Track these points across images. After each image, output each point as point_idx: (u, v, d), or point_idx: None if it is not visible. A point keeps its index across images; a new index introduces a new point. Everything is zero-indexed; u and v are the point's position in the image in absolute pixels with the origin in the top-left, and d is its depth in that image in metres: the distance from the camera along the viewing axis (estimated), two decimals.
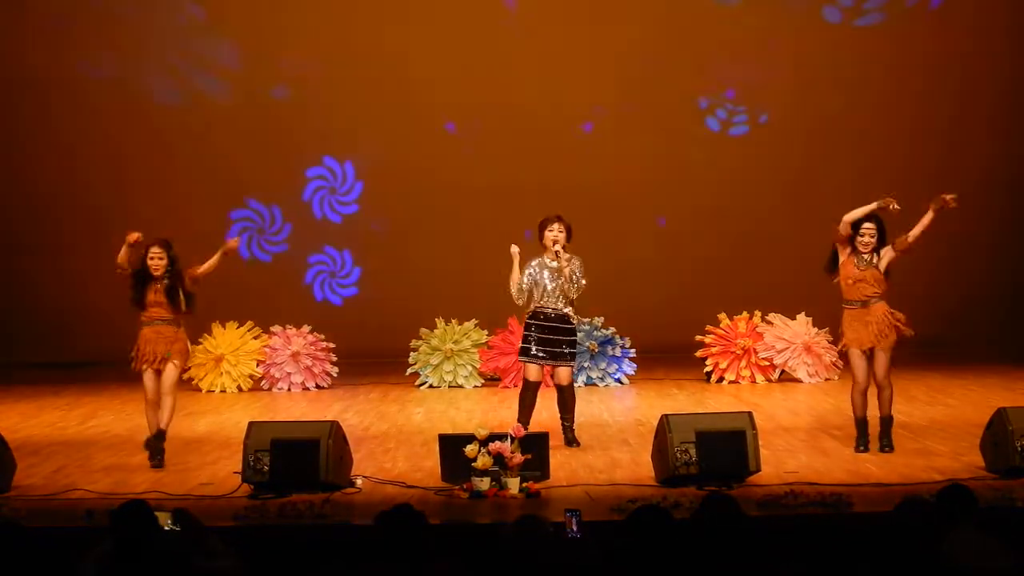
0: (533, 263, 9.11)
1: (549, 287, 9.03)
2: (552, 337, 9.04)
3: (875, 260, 8.60)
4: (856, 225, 8.58)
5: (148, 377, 8.67)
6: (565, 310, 9.06)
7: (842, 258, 8.66)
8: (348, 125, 14.99)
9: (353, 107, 14.93)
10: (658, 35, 14.89)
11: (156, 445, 8.59)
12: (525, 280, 9.05)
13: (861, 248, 8.59)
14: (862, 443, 8.67)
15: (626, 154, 14.96)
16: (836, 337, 8.83)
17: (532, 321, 9.08)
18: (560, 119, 15.00)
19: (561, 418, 9.13)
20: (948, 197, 8.52)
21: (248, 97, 14.96)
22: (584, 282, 9.06)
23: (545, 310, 9.05)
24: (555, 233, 9.01)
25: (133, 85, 14.86)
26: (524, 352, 9.12)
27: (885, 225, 8.65)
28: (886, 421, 8.68)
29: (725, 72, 14.95)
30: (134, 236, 8.62)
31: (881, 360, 8.61)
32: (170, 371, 8.66)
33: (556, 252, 8.94)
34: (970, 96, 15.01)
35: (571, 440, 9.04)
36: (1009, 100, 15.13)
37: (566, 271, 8.96)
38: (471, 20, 14.84)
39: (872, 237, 8.57)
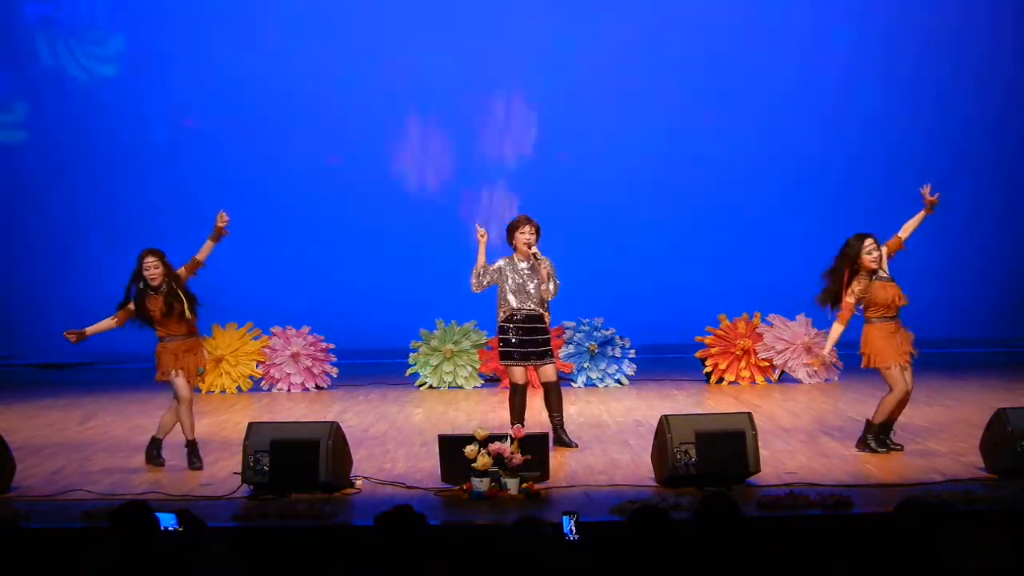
0: (501, 263, 9.07)
1: (523, 289, 8.99)
2: (530, 338, 9.01)
3: (887, 268, 8.57)
4: (858, 246, 8.50)
5: (180, 381, 8.55)
6: (539, 310, 9.04)
7: (865, 294, 8.51)
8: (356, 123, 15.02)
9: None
10: (663, 33, 14.90)
11: (191, 455, 8.61)
12: (487, 278, 9.01)
13: (872, 265, 8.47)
14: (884, 440, 8.65)
15: (626, 154, 14.96)
16: (866, 353, 8.55)
17: (508, 324, 9.03)
18: (559, 118, 15.00)
19: (550, 416, 9.10)
20: (928, 195, 8.60)
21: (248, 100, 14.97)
22: (559, 283, 9.05)
23: (520, 312, 9.02)
24: (527, 235, 8.95)
25: (138, 86, 14.84)
26: (506, 356, 9.07)
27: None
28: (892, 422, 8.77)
29: (727, 72, 14.93)
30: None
31: (910, 372, 8.60)
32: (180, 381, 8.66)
33: (534, 254, 8.90)
34: (981, 97, 14.99)
35: (563, 439, 8.99)
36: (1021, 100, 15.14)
37: (543, 271, 8.94)
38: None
39: (877, 250, 8.50)
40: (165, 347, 8.58)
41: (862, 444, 8.68)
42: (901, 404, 8.62)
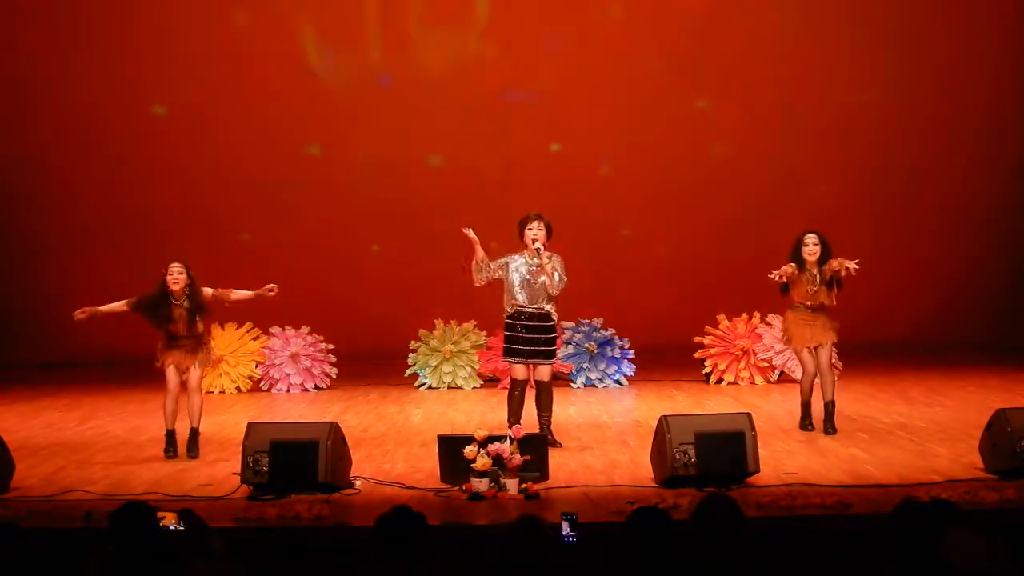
0: (514, 258, 9.07)
1: (530, 286, 9.00)
2: (535, 336, 9.03)
3: (824, 277, 9.22)
4: (799, 237, 9.34)
5: (171, 371, 8.91)
6: (546, 308, 9.05)
7: (790, 277, 9.30)
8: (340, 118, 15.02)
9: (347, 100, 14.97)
10: (657, 39, 14.90)
11: (191, 443, 8.90)
12: (488, 271, 9.06)
13: (807, 256, 9.24)
14: (808, 423, 9.44)
15: (625, 154, 14.96)
16: (785, 334, 9.64)
17: (514, 321, 9.07)
18: (559, 120, 14.99)
19: (538, 415, 9.14)
20: (850, 265, 9.10)
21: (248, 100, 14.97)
22: (566, 279, 9.04)
23: (527, 309, 9.03)
24: (534, 232, 8.98)
25: (139, 88, 14.82)
26: (510, 352, 9.11)
27: (828, 240, 9.30)
28: (829, 405, 9.34)
29: (729, 70, 14.92)
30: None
31: (823, 354, 9.39)
32: (194, 371, 8.96)
33: (537, 250, 8.91)
34: (967, 96, 14.99)
35: (548, 439, 8.97)
36: (1002, 99, 15.12)
37: (547, 269, 8.94)
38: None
39: (816, 245, 9.26)
40: (166, 348, 8.94)
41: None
42: (824, 383, 9.33)
